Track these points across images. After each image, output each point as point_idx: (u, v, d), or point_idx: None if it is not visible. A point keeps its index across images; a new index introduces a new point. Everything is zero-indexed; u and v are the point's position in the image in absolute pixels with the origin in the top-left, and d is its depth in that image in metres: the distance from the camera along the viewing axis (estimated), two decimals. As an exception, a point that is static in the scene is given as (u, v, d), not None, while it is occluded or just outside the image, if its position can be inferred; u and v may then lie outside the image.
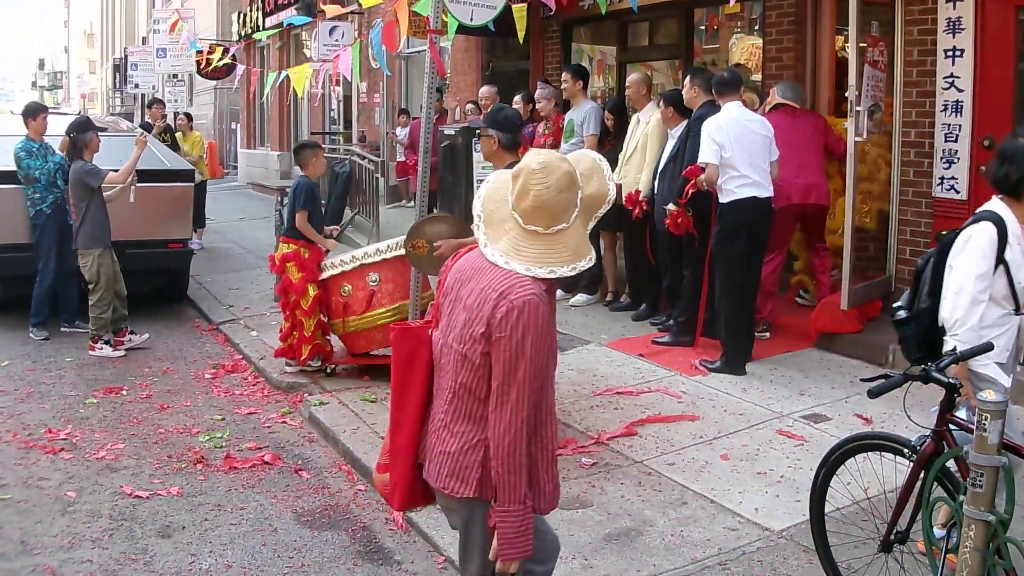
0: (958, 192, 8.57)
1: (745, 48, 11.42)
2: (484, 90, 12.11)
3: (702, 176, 8.22)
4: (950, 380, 4.09)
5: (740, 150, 8.08)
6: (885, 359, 8.33)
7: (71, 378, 9.07)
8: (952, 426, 4.15)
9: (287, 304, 8.62)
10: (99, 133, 10.14)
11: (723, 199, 8.20)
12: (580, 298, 11.06)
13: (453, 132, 7.54)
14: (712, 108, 8.83)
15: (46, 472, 6.75)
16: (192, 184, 11.97)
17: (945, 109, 8.57)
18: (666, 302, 9.97)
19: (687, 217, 8.73)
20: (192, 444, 7.29)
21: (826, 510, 4.80)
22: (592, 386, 8.14)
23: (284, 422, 7.83)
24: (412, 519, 5.86)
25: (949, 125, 8.56)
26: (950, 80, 8.50)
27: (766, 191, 8.20)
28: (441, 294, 3.54)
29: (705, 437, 6.98)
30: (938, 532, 4.34)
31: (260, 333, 10.47)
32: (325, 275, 8.49)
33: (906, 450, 4.31)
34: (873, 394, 4.16)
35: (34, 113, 10.69)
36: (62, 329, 10.66)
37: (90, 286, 9.87)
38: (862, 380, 4.80)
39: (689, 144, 8.90)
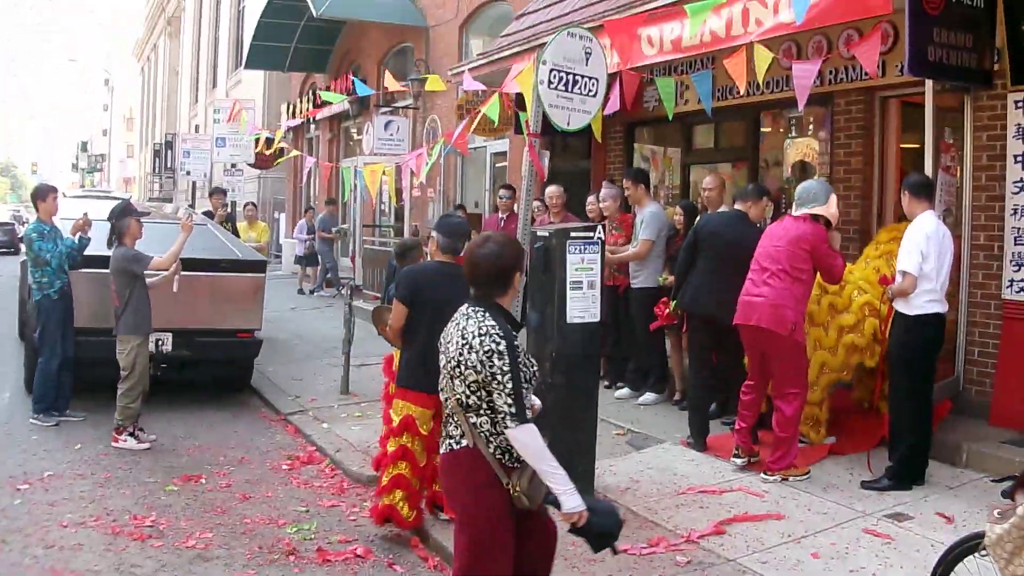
0: (1030, 294, 8.73)
1: (799, 149, 11.57)
2: (552, 189, 12.33)
3: (895, 285, 7.84)
4: None
5: (939, 264, 7.74)
6: (959, 458, 8.39)
7: (147, 464, 9.14)
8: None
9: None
10: (140, 218, 10.00)
11: (909, 311, 7.80)
12: (648, 397, 11.19)
13: (547, 233, 7.71)
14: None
15: (137, 559, 6.79)
16: (264, 275, 12.11)
17: (1015, 213, 8.76)
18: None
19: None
20: (281, 535, 7.34)
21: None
22: (674, 485, 8.18)
23: (368, 515, 7.84)
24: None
25: (1020, 229, 8.73)
26: (1020, 185, 8.69)
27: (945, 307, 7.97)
28: None
29: (793, 535, 7.01)
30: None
31: (331, 425, 10.53)
32: None
33: None
34: (1007, 494, 4.23)
35: (44, 194, 10.62)
36: (32, 419, 10.40)
37: (123, 373, 9.65)
38: (992, 481, 4.90)
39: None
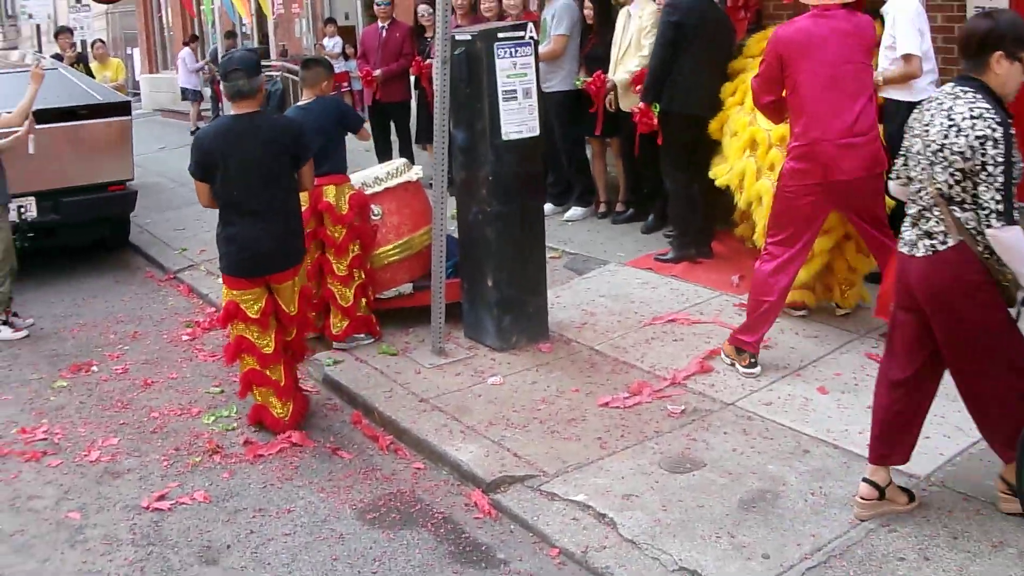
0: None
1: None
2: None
3: (896, 70, 6.67)
4: None
5: (929, 39, 6.76)
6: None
7: (28, 356, 7.86)
8: None
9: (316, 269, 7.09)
10: None
11: (912, 98, 6.44)
12: (576, 212, 10.19)
13: (469, 36, 6.54)
14: None
15: (35, 488, 5.58)
16: (131, 117, 10.69)
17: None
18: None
19: (652, 114, 8.08)
20: (198, 428, 6.23)
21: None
22: (636, 315, 7.28)
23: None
24: (500, 503, 4.97)
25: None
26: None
27: None
28: None
29: (789, 367, 6.19)
30: None
31: (228, 279, 9.30)
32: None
33: None
34: None
35: None
36: None
37: None
38: None
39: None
